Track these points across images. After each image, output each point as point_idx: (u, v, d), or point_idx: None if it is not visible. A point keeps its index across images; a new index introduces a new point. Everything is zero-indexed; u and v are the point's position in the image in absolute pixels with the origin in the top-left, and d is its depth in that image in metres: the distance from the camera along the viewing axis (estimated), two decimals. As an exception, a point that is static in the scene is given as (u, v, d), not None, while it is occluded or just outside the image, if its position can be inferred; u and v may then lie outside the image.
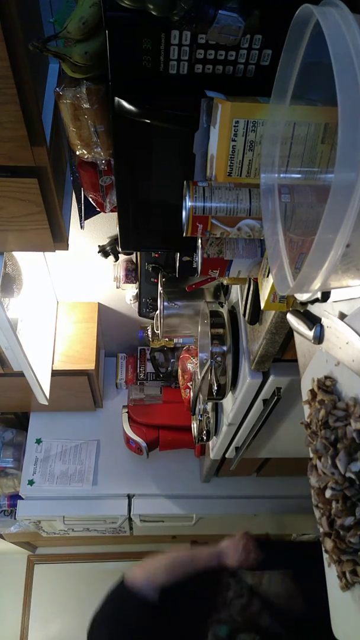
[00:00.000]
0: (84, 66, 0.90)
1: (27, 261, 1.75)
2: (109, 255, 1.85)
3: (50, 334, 2.18)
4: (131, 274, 1.92)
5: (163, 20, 0.73)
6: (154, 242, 1.22)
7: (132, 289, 2.01)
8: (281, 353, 1.18)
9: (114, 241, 1.84)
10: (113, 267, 1.97)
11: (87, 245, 1.88)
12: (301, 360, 0.89)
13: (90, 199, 1.24)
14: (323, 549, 0.74)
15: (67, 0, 0.98)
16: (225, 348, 1.39)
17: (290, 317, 0.85)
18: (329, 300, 0.74)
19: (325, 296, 0.74)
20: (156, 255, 1.67)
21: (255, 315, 1.16)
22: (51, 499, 2.37)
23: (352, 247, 0.45)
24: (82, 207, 1.31)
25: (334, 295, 0.73)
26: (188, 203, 0.79)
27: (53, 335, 2.21)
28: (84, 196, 1.26)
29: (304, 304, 0.83)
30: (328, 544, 0.69)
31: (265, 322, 1.10)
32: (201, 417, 1.80)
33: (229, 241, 0.94)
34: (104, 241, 1.85)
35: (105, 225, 1.80)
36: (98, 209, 1.29)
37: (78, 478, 2.42)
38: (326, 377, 0.74)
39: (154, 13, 0.71)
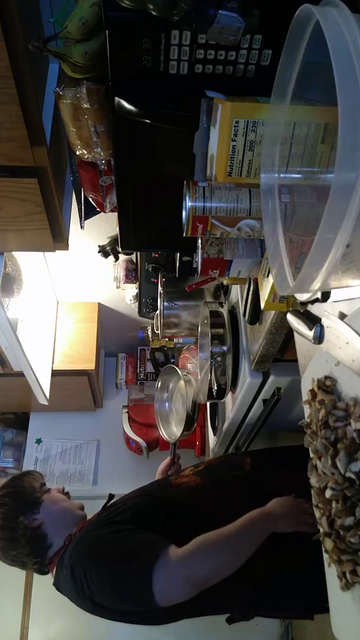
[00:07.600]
0: (84, 66, 0.90)
1: (27, 261, 1.75)
2: (109, 255, 1.85)
3: (50, 334, 2.18)
4: (131, 274, 1.92)
5: (163, 20, 0.73)
6: (154, 242, 1.22)
7: (132, 289, 2.01)
8: (281, 353, 1.18)
9: (114, 241, 1.83)
10: (113, 267, 1.97)
11: (87, 245, 1.88)
12: (301, 360, 0.89)
13: (90, 199, 1.24)
14: (323, 549, 0.74)
15: (67, 0, 0.98)
16: (225, 348, 1.39)
17: (290, 317, 0.85)
18: (329, 300, 0.74)
19: (325, 296, 0.74)
20: (156, 255, 1.67)
21: (255, 315, 1.16)
22: (51, 499, 2.37)
23: (352, 247, 0.45)
24: (82, 207, 1.31)
25: (334, 295, 0.73)
26: (188, 203, 0.79)
27: (53, 335, 2.21)
28: (84, 196, 1.26)
29: (304, 304, 0.83)
30: (328, 544, 0.69)
31: (265, 322, 1.10)
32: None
33: (229, 241, 0.94)
34: (104, 241, 1.85)
35: (105, 225, 1.80)
36: (98, 209, 1.29)
37: (78, 478, 2.42)
38: (326, 377, 0.74)
39: (154, 13, 0.71)
